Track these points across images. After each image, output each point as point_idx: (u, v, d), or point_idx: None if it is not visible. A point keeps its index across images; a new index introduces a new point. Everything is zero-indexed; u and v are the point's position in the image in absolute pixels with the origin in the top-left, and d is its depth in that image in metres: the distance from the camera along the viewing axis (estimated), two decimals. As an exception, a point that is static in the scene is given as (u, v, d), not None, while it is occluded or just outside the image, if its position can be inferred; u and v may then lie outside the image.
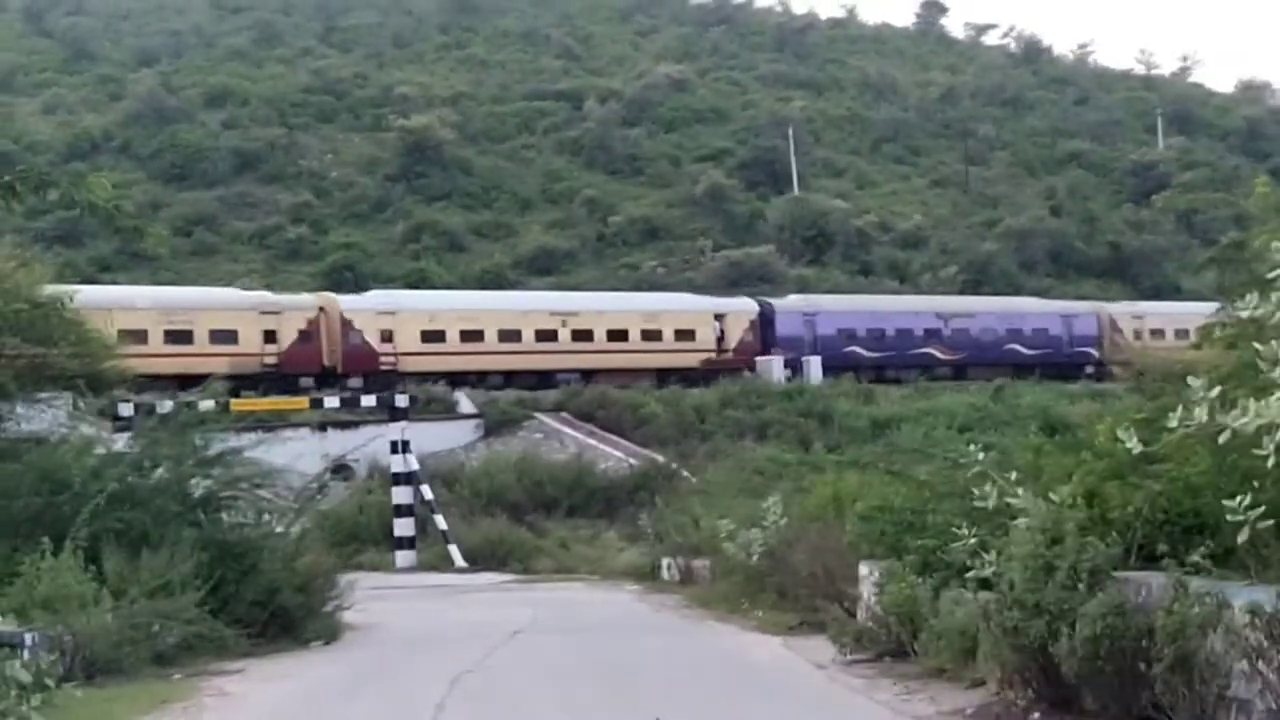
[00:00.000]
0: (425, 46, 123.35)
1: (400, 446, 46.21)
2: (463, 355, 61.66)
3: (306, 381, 58.45)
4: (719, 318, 68.30)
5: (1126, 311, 76.81)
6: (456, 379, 60.29)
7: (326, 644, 23.97)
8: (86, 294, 58.49)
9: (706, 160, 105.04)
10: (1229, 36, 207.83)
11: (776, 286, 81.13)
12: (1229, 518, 11.72)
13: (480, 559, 44.12)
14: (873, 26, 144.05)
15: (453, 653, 21.24)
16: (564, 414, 59.40)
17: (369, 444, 45.62)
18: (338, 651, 23.32)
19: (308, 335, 59.91)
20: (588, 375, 62.81)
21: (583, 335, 64.53)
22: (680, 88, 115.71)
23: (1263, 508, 11.63)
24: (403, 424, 46.73)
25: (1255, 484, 11.82)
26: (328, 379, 59.43)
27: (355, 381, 59.25)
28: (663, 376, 64.63)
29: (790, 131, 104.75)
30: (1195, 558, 12.55)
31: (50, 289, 28.60)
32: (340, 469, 43.34)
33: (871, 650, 18.35)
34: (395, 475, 45.99)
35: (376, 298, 64.32)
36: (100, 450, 25.94)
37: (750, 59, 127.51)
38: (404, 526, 45.17)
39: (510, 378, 62.05)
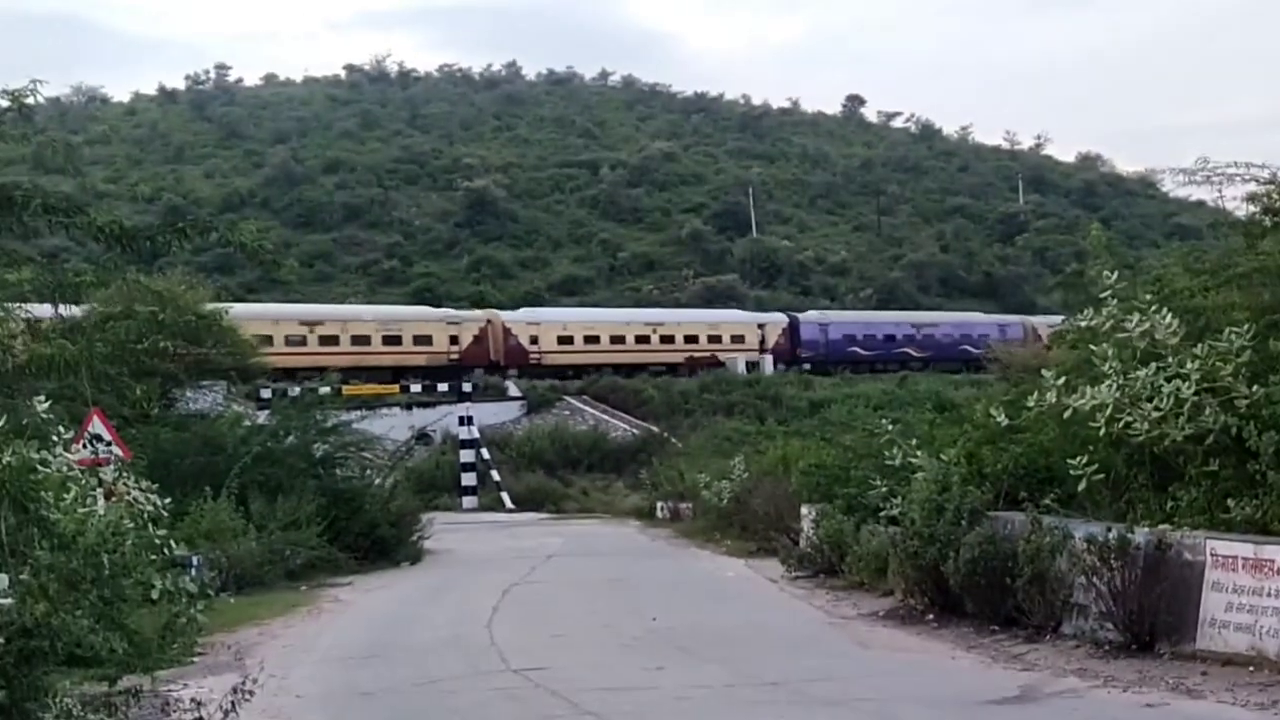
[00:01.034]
0: (484, 128, 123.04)
1: (466, 420, 46.20)
2: (585, 353, 63.25)
3: (478, 372, 59.69)
4: (761, 327, 69.92)
5: (1044, 322, 77.11)
6: (580, 370, 61.81)
7: (412, 564, 24.03)
8: (324, 310, 62.18)
9: (689, 211, 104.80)
10: (1072, 119, 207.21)
11: (741, 303, 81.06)
12: (1071, 473, 11.75)
13: (524, 502, 44.13)
14: (811, 113, 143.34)
15: (504, 570, 21.27)
16: (585, 397, 59.35)
17: (444, 418, 45.52)
18: (421, 570, 23.36)
19: (479, 339, 61.48)
20: (672, 368, 64.15)
21: (667, 340, 66.12)
22: (670, 158, 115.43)
23: (1096, 465, 11.65)
24: (468, 404, 46.72)
25: (1090, 448, 11.85)
26: (494, 370, 60.96)
27: (513, 371, 61.09)
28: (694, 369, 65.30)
29: (750, 190, 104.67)
30: (1047, 502, 12.58)
31: (211, 305, 28.54)
32: (422, 437, 43.13)
33: (810, 569, 18.39)
34: (462, 441, 45.99)
35: (526, 313, 66.02)
36: (247, 423, 25.98)
37: (721, 137, 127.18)
38: (469, 478, 45.18)
39: (617, 370, 62.90)
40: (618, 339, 64.87)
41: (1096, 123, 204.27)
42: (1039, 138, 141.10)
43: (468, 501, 44.54)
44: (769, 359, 67.06)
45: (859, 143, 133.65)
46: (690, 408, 58.04)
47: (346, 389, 39.58)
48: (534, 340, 62.89)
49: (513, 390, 58.95)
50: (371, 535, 23.51)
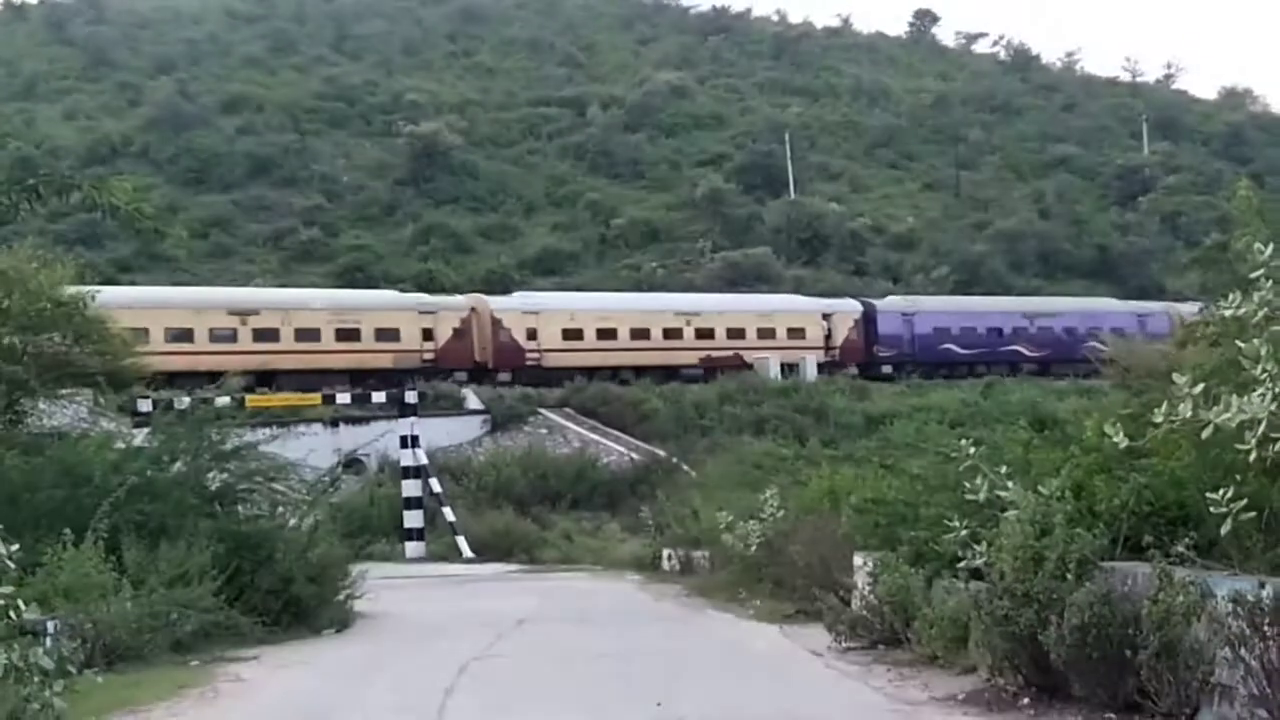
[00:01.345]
0: (434, 55, 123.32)
1: (410, 441, 46.18)
2: (598, 351, 64.06)
3: (460, 376, 61.10)
4: (826, 317, 70.72)
5: (1193, 311, 77.06)
6: (593, 373, 62.37)
7: (339, 632, 23.98)
8: (264, 296, 62.97)
9: (705, 165, 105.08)
10: (1212, 44, 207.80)
11: (774, 287, 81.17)
12: (1212, 510, 11.71)
13: (487, 550, 44.06)
14: (866, 35, 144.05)
15: (461, 640, 21.23)
16: (567, 410, 59.37)
17: (380, 439, 45.55)
18: (349, 639, 23.32)
19: (461, 333, 62.93)
20: (709, 370, 64.81)
21: (705, 334, 66.89)
22: (680, 94, 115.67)
23: (1245, 500, 11.61)
24: (412, 419, 46.72)
25: (1238, 477, 11.81)
26: (480, 374, 61.96)
27: (504, 376, 61.98)
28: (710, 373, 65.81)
29: (787, 137, 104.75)
30: (1180, 548, 12.53)
31: (71, 289, 28.57)
32: (352, 463, 43.18)
33: (866, 638, 18.33)
34: (405, 469, 46.00)
35: (522, 299, 66.80)
36: (120, 445, 25.93)
37: (748, 66, 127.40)
38: (413, 518, 45.16)
39: (640, 372, 63.55)
40: (640, 333, 65.69)
41: (1244, 49, 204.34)
42: (1169, 68, 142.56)
43: (412, 549, 44.53)
44: (811, 360, 67.05)
45: (931, 74, 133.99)
46: (707, 424, 58.15)
47: (252, 399, 39.75)
48: (531, 334, 63.99)
49: (472, 401, 59.01)
50: (285, 593, 23.47)
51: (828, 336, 70.27)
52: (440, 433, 52.89)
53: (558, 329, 64.38)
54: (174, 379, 51.18)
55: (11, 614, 9.82)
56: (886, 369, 69.55)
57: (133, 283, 68.90)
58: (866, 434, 48.30)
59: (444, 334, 62.52)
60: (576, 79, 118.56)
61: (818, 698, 15.20)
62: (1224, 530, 11.66)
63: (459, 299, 66.10)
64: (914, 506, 18.40)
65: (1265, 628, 10.75)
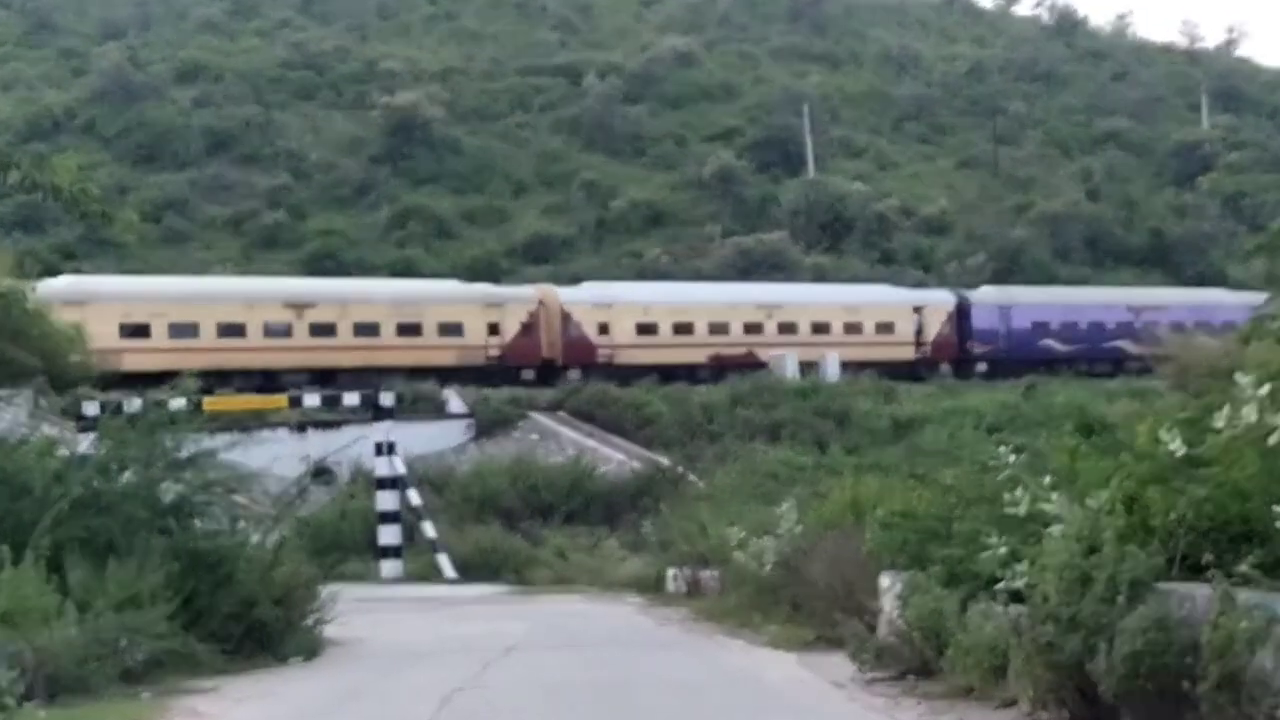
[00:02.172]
0: (412, 18, 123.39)
1: (385, 448, 46.11)
2: (675, 347, 65.72)
3: (528, 374, 62.90)
4: (917, 310, 72.13)
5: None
6: (669, 372, 63.79)
7: (306, 660, 24.01)
8: (321, 287, 64.44)
9: (715, 140, 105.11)
10: (1279, 7, 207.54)
11: (790, 276, 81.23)
12: (1279, 526, 11.74)
13: (471, 569, 44.06)
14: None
15: (442, 670, 21.27)
16: (561, 413, 59.46)
17: (352, 445, 45.69)
18: (318, 669, 23.35)
19: (529, 328, 64.70)
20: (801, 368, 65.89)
21: (787, 328, 68.36)
22: (687, 62, 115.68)
23: (1316, 514, 11.64)
24: (388, 424, 46.66)
25: (1308, 489, 11.83)
26: (548, 372, 63.76)
27: (575, 374, 63.48)
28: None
29: (805, 109, 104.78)
30: (1243, 568, 12.54)
31: (7, 281, 28.63)
32: (321, 472, 43.40)
33: (894, 668, 18.36)
34: (380, 479, 45.91)
35: (592, 290, 68.13)
36: (63, 452, 25.94)
37: (762, 31, 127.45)
38: (389, 534, 45.09)
39: (719, 371, 64.76)
40: (719, 327, 67.34)
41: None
42: (1231, 32, 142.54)
43: (388, 568, 44.53)
44: (833, 358, 67.33)
45: (966, 39, 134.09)
46: (716, 429, 58.20)
47: (210, 401, 39.80)
48: (603, 329, 65.77)
49: (455, 404, 59.08)
50: (246, 617, 23.51)
51: (919, 332, 71.63)
52: (419, 439, 52.83)
53: (631, 323, 66.11)
54: (226, 378, 54.07)
55: (-58, 641, 9.87)
56: (981, 367, 70.70)
57: (77, 270, 68.99)
58: (894, 440, 48.58)
59: (510, 328, 64.17)
60: (571, 45, 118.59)
61: (840, 734, 15.23)
62: (1293, 548, 11.68)
63: (527, 290, 67.69)
64: (947, 521, 18.43)
65: (1338, 656, 10.77)
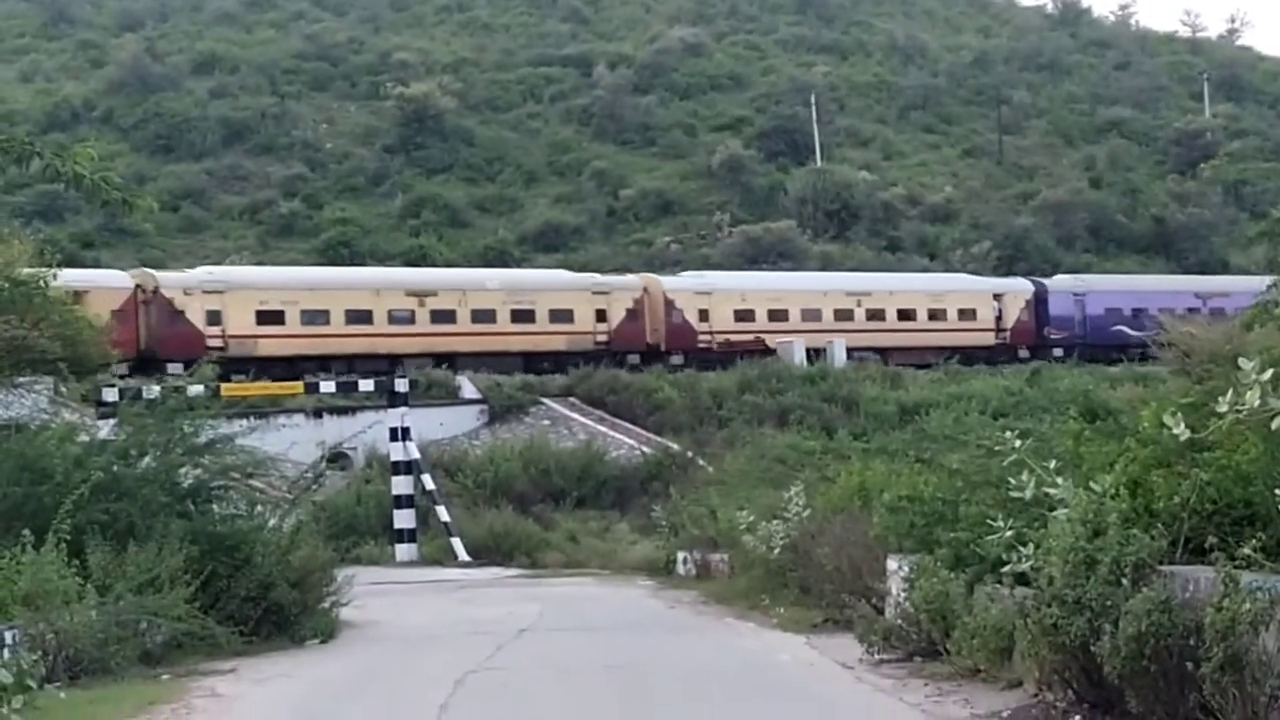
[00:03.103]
0: (425, 10, 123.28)
1: (400, 434, 46.20)
2: (770, 332, 67.13)
3: (633, 359, 64.51)
4: (997, 297, 73.07)
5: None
6: (766, 356, 65.35)
7: (323, 642, 24.04)
8: (441, 276, 67.56)
9: (723, 130, 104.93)
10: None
11: (798, 264, 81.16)
12: (1282, 508, 11.71)
13: (484, 553, 44.15)
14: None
15: (456, 651, 21.28)
16: (572, 399, 59.48)
17: (367, 431, 45.59)
18: (335, 650, 23.38)
19: (634, 314, 66.16)
20: (883, 353, 67.89)
21: (876, 315, 69.91)
22: (695, 52, 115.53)
23: (1318, 498, 11.62)
24: (403, 410, 46.74)
25: (1310, 472, 11.81)
26: (652, 356, 65.39)
27: (676, 357, 65.65)
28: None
29: (813, 99, 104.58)
30: (1246, 550, 12.51)
31: (28, 270, 28.63)
32: (337, 457, 43.34)
33: (901, 649, 18.37)
34: (395, 464, 45.99)
35: (692, 279, 70.09)
36: (84, 437, 25.99)
37: (770, 21, 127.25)
38: (404, 518, 45.21)
39: (812, 356, 66.10)
40: (811, 313, 68.86)
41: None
42: (1233, 22, 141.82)
43: (403, 551, 44.61)
44: (840, 345, 67.53)
45: (971, 29, 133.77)
46: (725, 415, 58.18)
47: (228, 388, 39.80)
48: (704, 315, 67.35)
49: (468, 390, 59.12)
50: (264, 600, 23.54)
51: (998, 318, 72.22)
52: (433, 424, 53.00)
53: (730, 310, 67.48)
54: (354, 363, 56.74)
55: (-34, 623, 9.87)
56: (1058, 352, 70.93)
57: (96, 260, 69.23)
58: (901, 425, 48.47)
59: (617, 315, 65.66)
60: (581, 36, 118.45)
61: (849, 716, 15.23)
62: (1295, 531, 11.66)
63: (632, 278, 69.13)
64: (953, 505, 18.43)
65: (1341, 638, 10.76)
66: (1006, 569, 15.08)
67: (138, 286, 57.71)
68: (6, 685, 9.71)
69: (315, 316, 59.75)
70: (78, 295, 52.98)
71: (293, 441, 35.74)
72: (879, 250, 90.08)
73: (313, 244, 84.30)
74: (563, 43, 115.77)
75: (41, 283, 27.19)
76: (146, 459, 24.74)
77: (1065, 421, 19.89)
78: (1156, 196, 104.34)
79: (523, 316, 63.76)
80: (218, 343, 55.88)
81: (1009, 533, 15.23)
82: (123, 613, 20.07)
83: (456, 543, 44.66)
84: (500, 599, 32.30)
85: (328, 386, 49.61)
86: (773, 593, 27.09)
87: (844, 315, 69.51)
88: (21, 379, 28.69)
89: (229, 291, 58.81)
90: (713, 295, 67.83)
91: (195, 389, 28.46)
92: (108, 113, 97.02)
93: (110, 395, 37.60)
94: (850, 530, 23.46)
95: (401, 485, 45.56)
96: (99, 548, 21.34)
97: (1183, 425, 13.44)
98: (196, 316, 57.65)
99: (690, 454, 51.92)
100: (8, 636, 15.55)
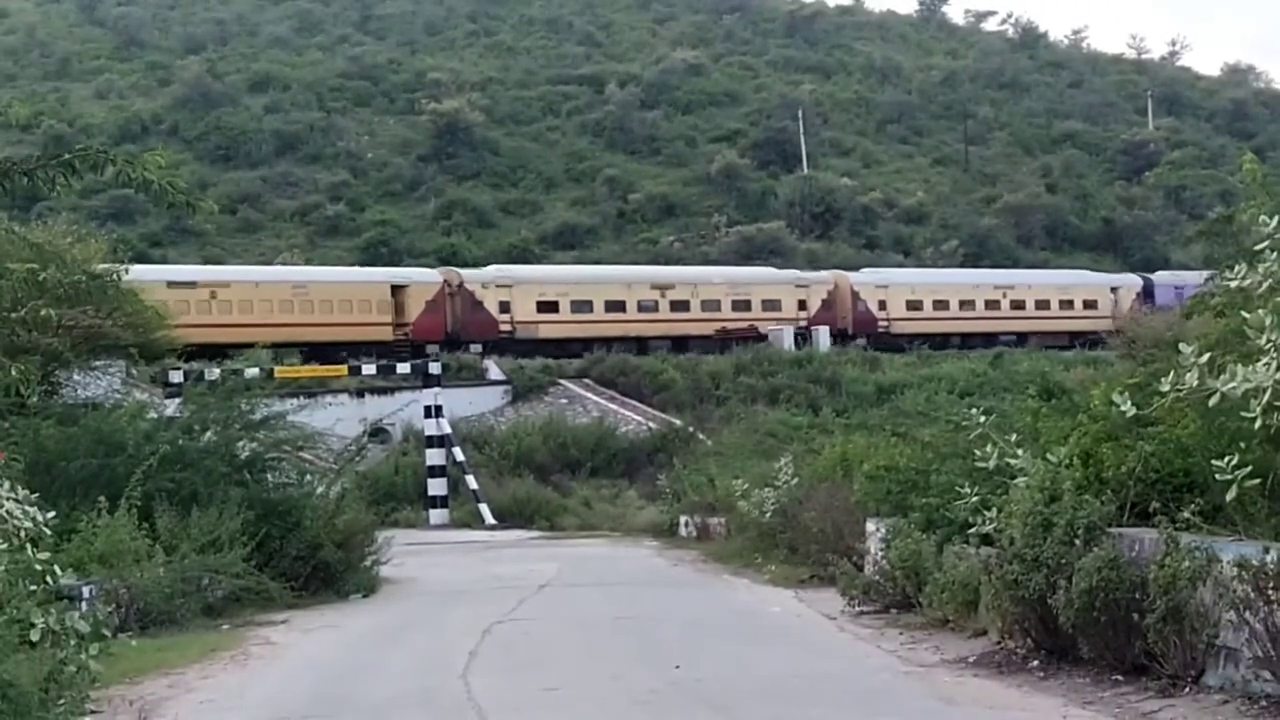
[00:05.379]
0: (455, 34, 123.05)
1: (434, 411, 46.26)
2: (933, 320, 71.02)
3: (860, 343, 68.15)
4: (1114, 290, 75.17)
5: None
6: (932, 339, 68.98)
7: (365, 597, 24.07)
8: (677, 273, 71.36)
9: (720, 141, 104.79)
10: (1216, 22, 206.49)
11: (786, 261, 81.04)
12: (1218, 477, 11.68)
13: (508, 517, 44.15)
14: (878, 13, 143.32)
15: (484, 604, 21.29)
16: (586, 380, 59.43)
17: (404, 409, 45.66)
18: (375, 603, 23.40)
19: (828, 304, 69.52)
20: (1022, 337, 70.87)
21: (1018, 305, 73.07)
22: (696, 72, 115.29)
23: (1249, 467, 11.57)
24: (436, 390, 46.79)
25: (1242, 445, 11.77)
26: (841, 338, 68.54)
27: (860, 341, 68.42)
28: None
29: (800, 113, 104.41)
30: (1186, 515, 12.48)
31: (102, 266, 28.57)
32: (377, 432, 43.28)
33: (879, 602, 18.35)
34: (429, 438, 46.06)
35: (872, 274, 74.24)
36: (152, 415, 25.99)
37: (762, 44, 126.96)
38: (437, 486, 45.28)
39: (965, 340, 69.86)
40: (967, 304, 72.25)
41: (1247, 25, 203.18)
42: (1173, 45, 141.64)
43: (436, 516, 44.65)
44: (824, 331, 67.93)
45: (940, 51, 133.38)
46: (723, 394, 58.11)
47: (280, 370, 39.79)
48: (882, 305, 70.88)
49: (494, 372, 59.12)
50: (313, 559, 23.55)
51: (1115, 307, 72.57)
52: (463, 403, 53.00)
53: (903, 301, 70.91)
54: (611, 345, 61.33)
55: (48, 579, 9.85)
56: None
57: (163, 258, 69.33)
58: (878, 403, 48.27)
59: (814, 304, 68.94)
60: (595, 57, 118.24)
61: (832, 659, 15.21)
62: (1229, 496, 11.62)
63: (825, 274, 72.54)
64: (925, 474, 18.40)
65: (1270, 591, 10.73)
66: (972, 530, 15.07)
67: (445, 281, 62.00)
68: (85, 634, 9.71)
69: (582, 306, 63.56)
70: (400, 289, 60.42)
71: (338, 418, 35.61)
72: (859, 248, 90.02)
73: (355, 243, 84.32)
74: (578, 63, 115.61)
75: (114, 276, 27.09)
76: (208, 434, 24.74)
77: (1025, 400, 19.86)
78: (1105, 200, 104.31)
79: (741, 305, 67.06)
80: (508, 328, 61.59)
81: (975, 498, 15.23)
82: (187, 570, 20.09)
83: (484, 508, 44.68)
84: (522, 558, 32.29)
85: (369, 370, 49.58)
86: (765, 552, 27.09)
87: (992, 305, 72.44)
88: (97, 363, 28.65)
89: (516, 285, 62.93)
90: (889, 289, 71.31)
91: (251, 371, 28.46)
92: (173, 126, 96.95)
93: (176, 377, 37.59)
94: (833, 496, 23.45)
95: (435, 457, 45.63)
96: (166, 512, 21.36)
97: (1129, 403, 13.43)
98: (492, 306, 61.91)
99: (691, 429, 51.85)
100: (85, 592, 15.53)
